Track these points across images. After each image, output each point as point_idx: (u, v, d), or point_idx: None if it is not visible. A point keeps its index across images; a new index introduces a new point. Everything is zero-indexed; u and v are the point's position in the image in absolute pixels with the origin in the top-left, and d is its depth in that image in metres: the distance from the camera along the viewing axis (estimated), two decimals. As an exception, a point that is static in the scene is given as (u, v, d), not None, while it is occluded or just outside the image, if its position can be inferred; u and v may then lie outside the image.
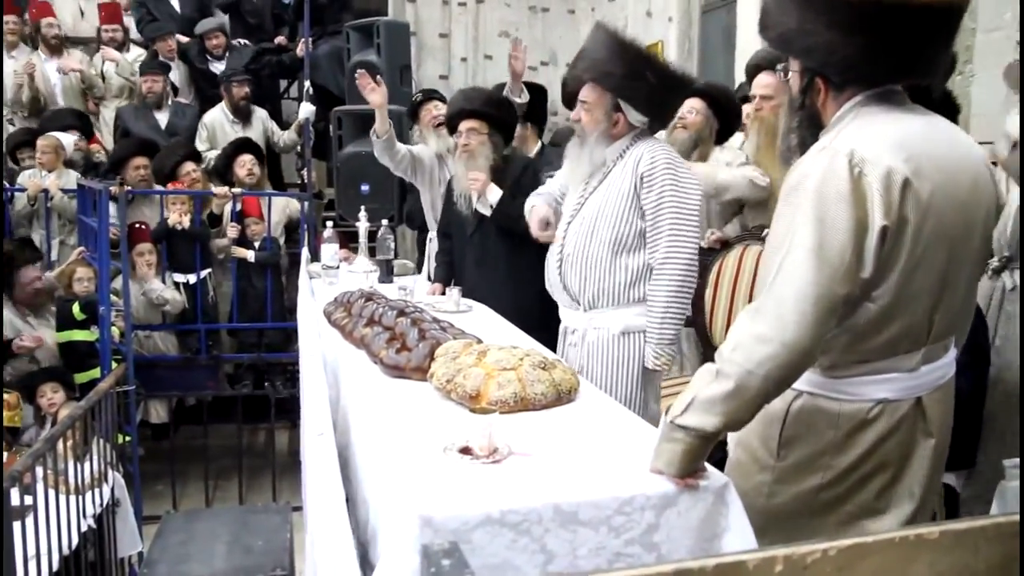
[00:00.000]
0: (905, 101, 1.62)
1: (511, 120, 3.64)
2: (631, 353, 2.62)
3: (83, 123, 5.79)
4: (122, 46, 6.19)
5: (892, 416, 1.59)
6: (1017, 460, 1.78)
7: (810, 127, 1.66)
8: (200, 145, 5.91)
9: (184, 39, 6.41)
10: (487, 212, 3.42)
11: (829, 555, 0.88)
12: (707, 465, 1.51)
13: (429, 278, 3.91)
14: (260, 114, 6.12)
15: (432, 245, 4.19)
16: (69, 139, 5.58)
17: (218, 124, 5.99)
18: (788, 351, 1.42)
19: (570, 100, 3.59)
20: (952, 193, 1.52)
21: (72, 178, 5.39)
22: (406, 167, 4.11)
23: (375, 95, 3.88)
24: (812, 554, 0.87)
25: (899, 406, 1.60)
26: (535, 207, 2.85)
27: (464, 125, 3.48)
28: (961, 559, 0.92)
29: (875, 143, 1.49)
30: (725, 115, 3.57)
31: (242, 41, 6.55)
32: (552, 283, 2.75)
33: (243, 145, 5.68)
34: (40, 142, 5.39)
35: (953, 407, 1.72)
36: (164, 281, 5.29)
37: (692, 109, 3.56)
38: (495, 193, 3.40)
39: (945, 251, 1.53)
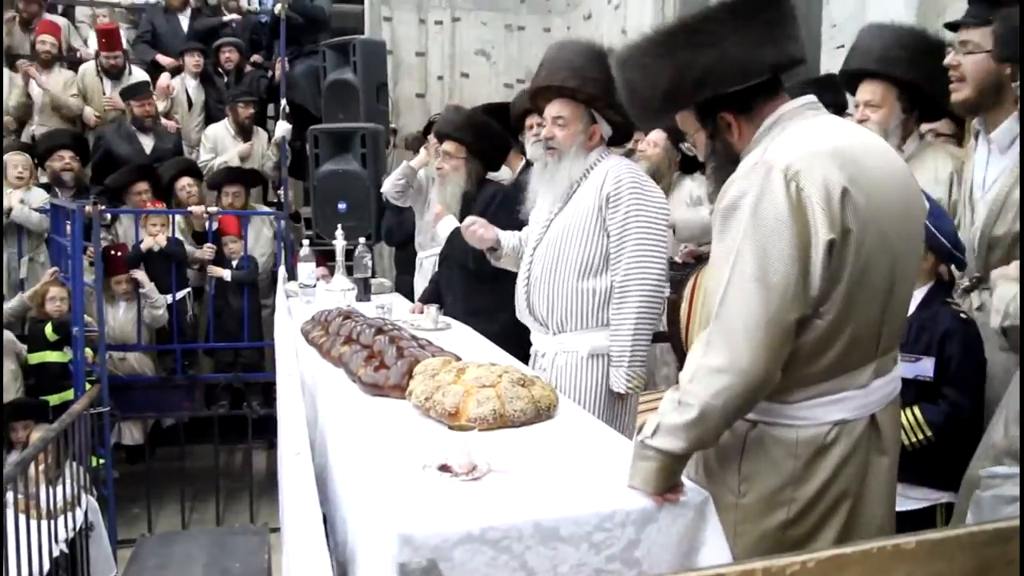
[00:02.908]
0: (823, 111, 1.61)
1: (495, 146, 3.59)
2: (600, 376, 2.58)
3: (79, 144, 5.75)
4: (122, 72, 6.17)
5: (850, 437, 1.56)
6: (993, 469, 1.79)
7: (728, 163, 1.60)
8: (205, 155, 6.09)
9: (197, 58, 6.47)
10: (442, 243, 3.41)
11: (808, 567, 0.88)
12: (685, 480, 1.51)
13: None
14: (261, 135, 6.30)
15: (425, 265, 4.18)
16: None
17: (220, 139, 6.16)
18: (745, 380, 1.42)
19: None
20: (886, 203, 1.50)
21: (38, 196, 5.33)
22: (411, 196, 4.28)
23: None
24: (791, 566, 0.88)
25: (855, 426, 1.56)
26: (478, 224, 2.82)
27: (442, 147, 3.47)
28: (936, 568, 0.93)
29: (808, 155, 1.46)
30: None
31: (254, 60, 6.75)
32: (520, 308, 2.72)
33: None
34: (15, 157, 5.31)
35: (900, 423, 1.70)
36: (140, 303, 5.24)
37: (652, 142, 3.63)
38: (446, 226, 3.32)
39: (888, 260, 1.51)
